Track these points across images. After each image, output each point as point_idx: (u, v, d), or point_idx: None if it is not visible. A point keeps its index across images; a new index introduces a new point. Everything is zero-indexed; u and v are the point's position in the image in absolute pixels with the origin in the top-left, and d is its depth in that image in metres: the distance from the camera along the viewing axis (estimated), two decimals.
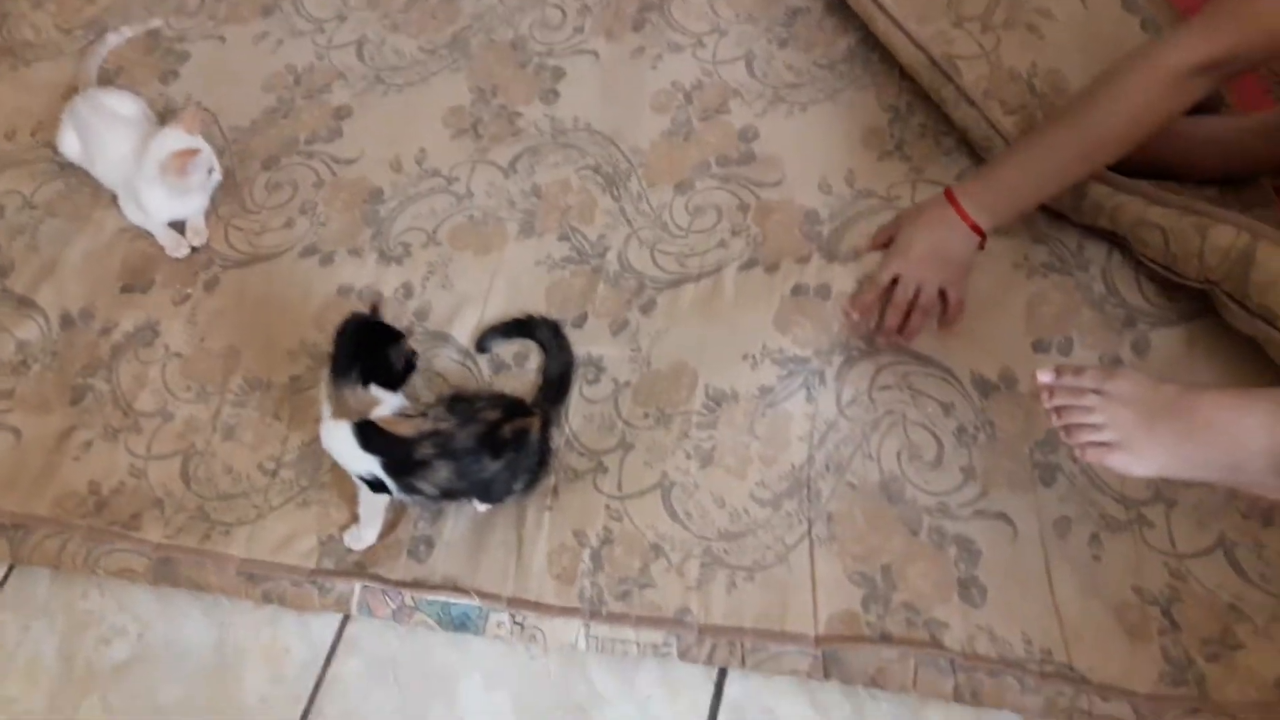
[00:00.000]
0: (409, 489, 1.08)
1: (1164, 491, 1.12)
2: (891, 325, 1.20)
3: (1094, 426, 0.94)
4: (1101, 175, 1.23)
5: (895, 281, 1.20)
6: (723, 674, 1.10)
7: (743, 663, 1.07)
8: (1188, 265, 1.16)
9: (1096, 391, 0.95)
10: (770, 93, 1.51)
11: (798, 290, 1.28)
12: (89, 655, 1.15)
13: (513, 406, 1.11)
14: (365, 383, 1.06)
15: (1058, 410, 0.97)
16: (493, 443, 1.07)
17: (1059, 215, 1.31)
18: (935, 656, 1.04)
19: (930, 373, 1.21)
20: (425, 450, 1.05)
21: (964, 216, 1.16)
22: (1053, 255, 1.29)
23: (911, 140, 1.42)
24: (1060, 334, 1.23)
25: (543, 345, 1.17)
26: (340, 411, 1.06)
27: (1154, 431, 0.92)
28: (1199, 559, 1.08)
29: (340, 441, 1.07)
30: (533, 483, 1.14)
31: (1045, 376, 0.99)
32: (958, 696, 1.03)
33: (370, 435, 1.05)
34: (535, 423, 1.11)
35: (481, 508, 1.16)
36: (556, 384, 1.16)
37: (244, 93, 1.61)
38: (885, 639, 1.05)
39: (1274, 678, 1.00)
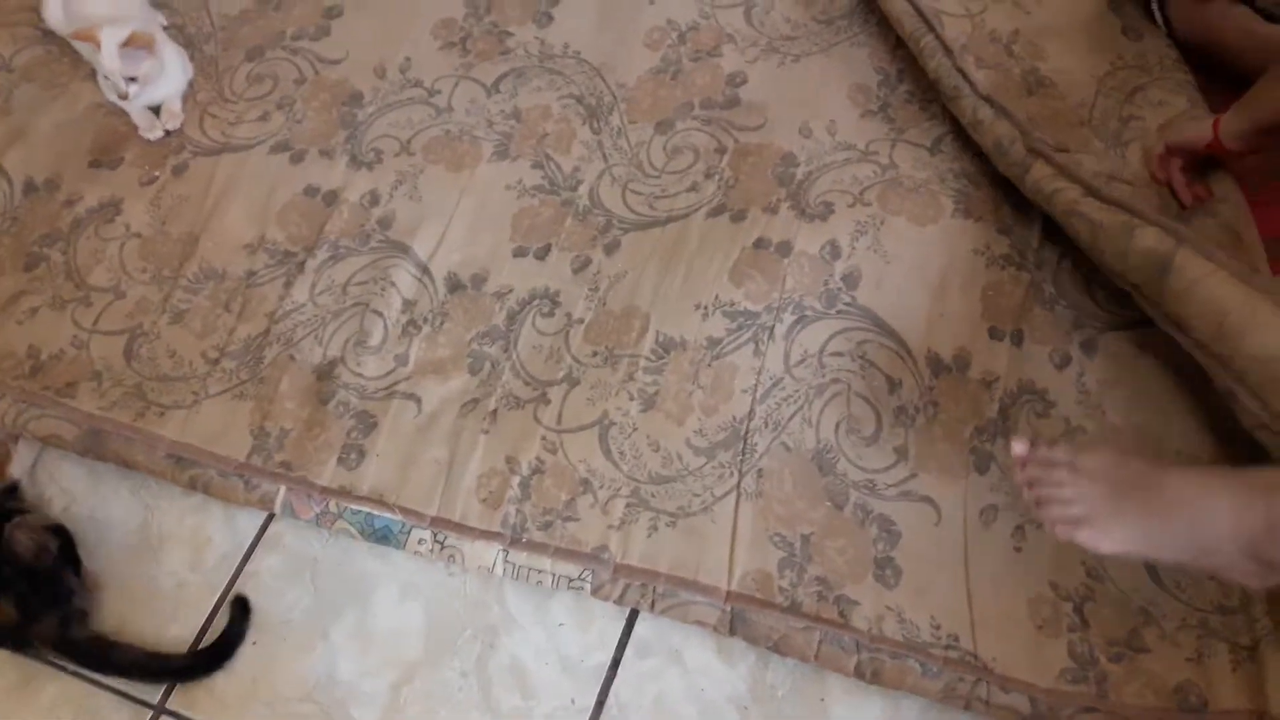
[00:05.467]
0: None
1: None
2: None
3: (1063, 501, 0.91)
4: (1050, 157, 1.21)
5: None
6: (634, 611, 1.11)
7: (652, 607, 1.08)
8: (1112, 263, 1.14)
9: (1069, 466, 0.92)
10: (765, 42, 1.47)
11: (759, 244, 1.27)
12: None
13: None
14: None
15: (1029, 482, 0.95)
16: None
17: (1026, 208, 1.28)
18: (841, 634, 1.05)
19: (885, 344, 1.20)
20: None
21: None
22: (1013, 249, 1.27)
23: (897, 105, 1.40)
24: (1013, 326, 1.21)
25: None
26: None
27: (1120, 508, 0.89)
28: (1118, 561, 1.08)
29: None
30: None
31: (1020, 448, 0.96)
32: (858, 673, 1.04)
33: None
34: None
35: None
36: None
37: None
38: (795, 609, 1.06)
39: (1174, 684, 1.01)
